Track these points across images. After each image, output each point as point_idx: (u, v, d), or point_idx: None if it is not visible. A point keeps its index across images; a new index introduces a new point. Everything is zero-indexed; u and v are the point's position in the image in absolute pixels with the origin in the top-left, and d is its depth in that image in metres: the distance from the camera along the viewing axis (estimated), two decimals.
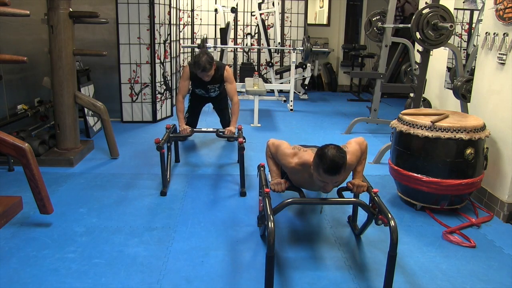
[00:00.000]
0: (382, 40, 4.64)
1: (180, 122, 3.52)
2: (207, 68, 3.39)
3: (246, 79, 5.78)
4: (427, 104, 4.69)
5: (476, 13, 4.38)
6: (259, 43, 7.23)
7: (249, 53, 7.36)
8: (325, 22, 8.21)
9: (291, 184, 2.37)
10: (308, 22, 7.65)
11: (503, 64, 2.78)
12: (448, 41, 3.31)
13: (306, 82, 6.95)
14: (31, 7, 2.73)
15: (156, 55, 4.92)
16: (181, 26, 6.68)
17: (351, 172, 2.37)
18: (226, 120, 4.07)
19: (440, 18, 3.22)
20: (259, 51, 7.33)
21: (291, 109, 5.97)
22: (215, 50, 6.04)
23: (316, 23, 8.56)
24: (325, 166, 1.94)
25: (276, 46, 6.72)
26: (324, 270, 2.13)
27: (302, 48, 6.20)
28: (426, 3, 4.09)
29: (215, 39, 6.62)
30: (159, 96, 5.09)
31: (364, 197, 2.25)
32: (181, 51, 6.53)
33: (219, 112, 4.20)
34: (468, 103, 3.35)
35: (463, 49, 4.52)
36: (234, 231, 2.50)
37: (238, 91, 6.65)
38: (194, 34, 7.09)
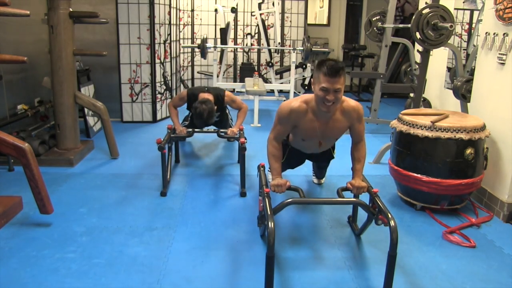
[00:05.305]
0: (382, 40, 4.64)
1: (176, 125, 3.34)
2: (209, 122, 3.21)
3: (246, 79, 5.77)
4: (427, 104, 4.69)
5: (476, 13, 4.38)
6: (259, 43, 7.22)
7: (249, 53, 7.36)
8: (325, 22, 8.21)
9: (292, 160, 2.37)
10: (308, 22, 7.64)
11: (503, 64, 2.78)
12: (448, 41, 3.31)
13: (306, 82, 6.95)
14: (31, 7, 2.73)
15: (156, 55, 4.92)
16: (181, 26, 6.68)
17: (353, 172, 2.38)
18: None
19: (440, 18, 3.22)
20: (259, 51, 7.33)
21: None
22: (215, 50, 6.04)
23: (316, 23, 8.55)
24: (325, 68, 2.08)
25: (276, 46, 6.72)
26: (324, 270, 2.13)
27: (302, 48, 6.18)
28: (426, 3, 4.09)
29: (215, 39, 6.61)
30: (159, 96, 5.09)
31: (364, 197, 2.25)
32: (181, 51, 6.54)
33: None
34: (468, 103, 3.35)
35: (463, 49, 4.52)
36: (234, 231, 2.49)
37: (238, 91, 6.70)
38: (194, 34, 7.09)
